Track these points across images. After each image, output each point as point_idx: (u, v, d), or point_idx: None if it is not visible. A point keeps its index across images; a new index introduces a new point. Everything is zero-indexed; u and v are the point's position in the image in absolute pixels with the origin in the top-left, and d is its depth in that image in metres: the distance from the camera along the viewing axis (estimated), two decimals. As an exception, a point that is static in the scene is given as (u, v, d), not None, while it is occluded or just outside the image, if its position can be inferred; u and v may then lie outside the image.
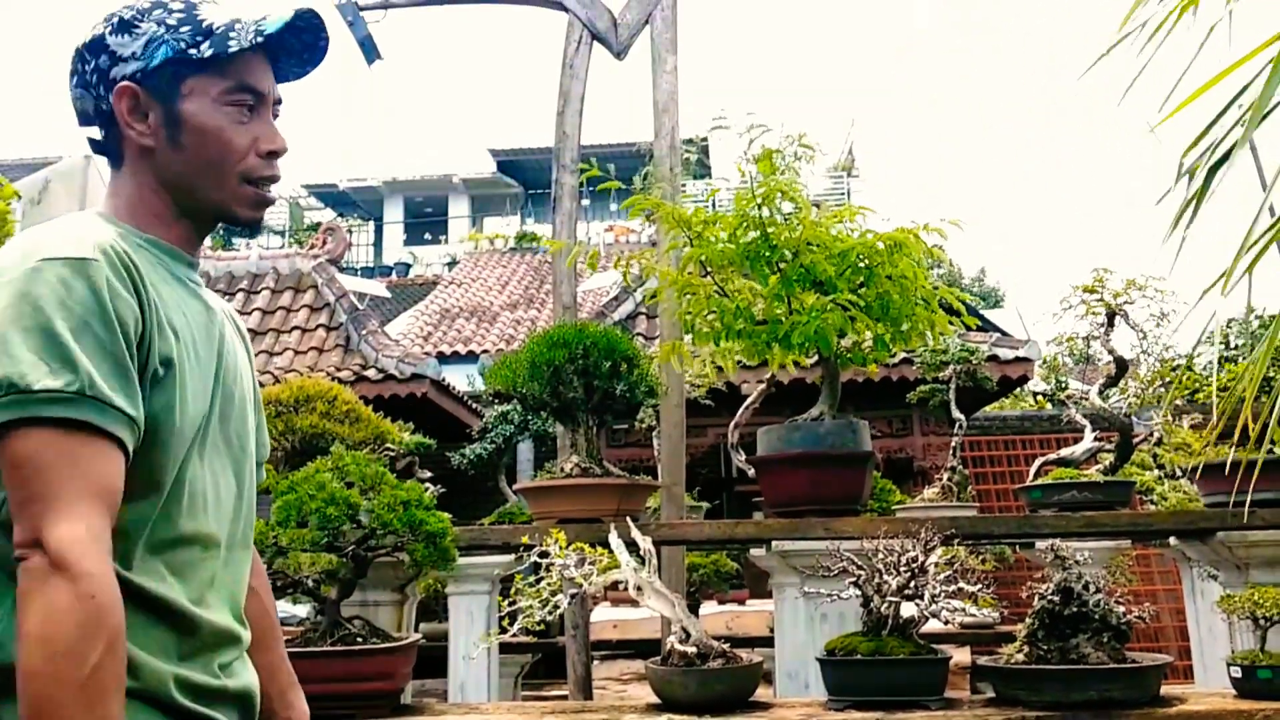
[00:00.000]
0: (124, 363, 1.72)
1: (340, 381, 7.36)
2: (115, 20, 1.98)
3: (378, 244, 43.84)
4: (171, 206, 2.01)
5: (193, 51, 1.95)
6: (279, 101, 2.09)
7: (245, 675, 2.02)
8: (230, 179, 2.00)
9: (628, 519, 4.27)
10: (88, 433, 1.66)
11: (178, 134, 1.97)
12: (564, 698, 8.75)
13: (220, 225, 2.16)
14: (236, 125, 1.99)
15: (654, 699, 3.95)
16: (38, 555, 1.60)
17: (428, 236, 43.92)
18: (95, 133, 2.02)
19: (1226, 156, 1.84)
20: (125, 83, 1.95)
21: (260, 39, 1.97)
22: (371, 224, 44.22)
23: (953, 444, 7.29)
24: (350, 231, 29.52)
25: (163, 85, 1.97)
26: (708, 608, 12.18)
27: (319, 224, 31.39)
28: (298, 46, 2.08)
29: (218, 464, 1.98)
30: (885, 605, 3.95)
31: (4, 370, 1.63)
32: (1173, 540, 5.71)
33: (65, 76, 2.02)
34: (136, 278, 1.80)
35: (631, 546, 3.90)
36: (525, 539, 4.39)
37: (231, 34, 1.96)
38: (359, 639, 4.07)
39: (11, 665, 1.61)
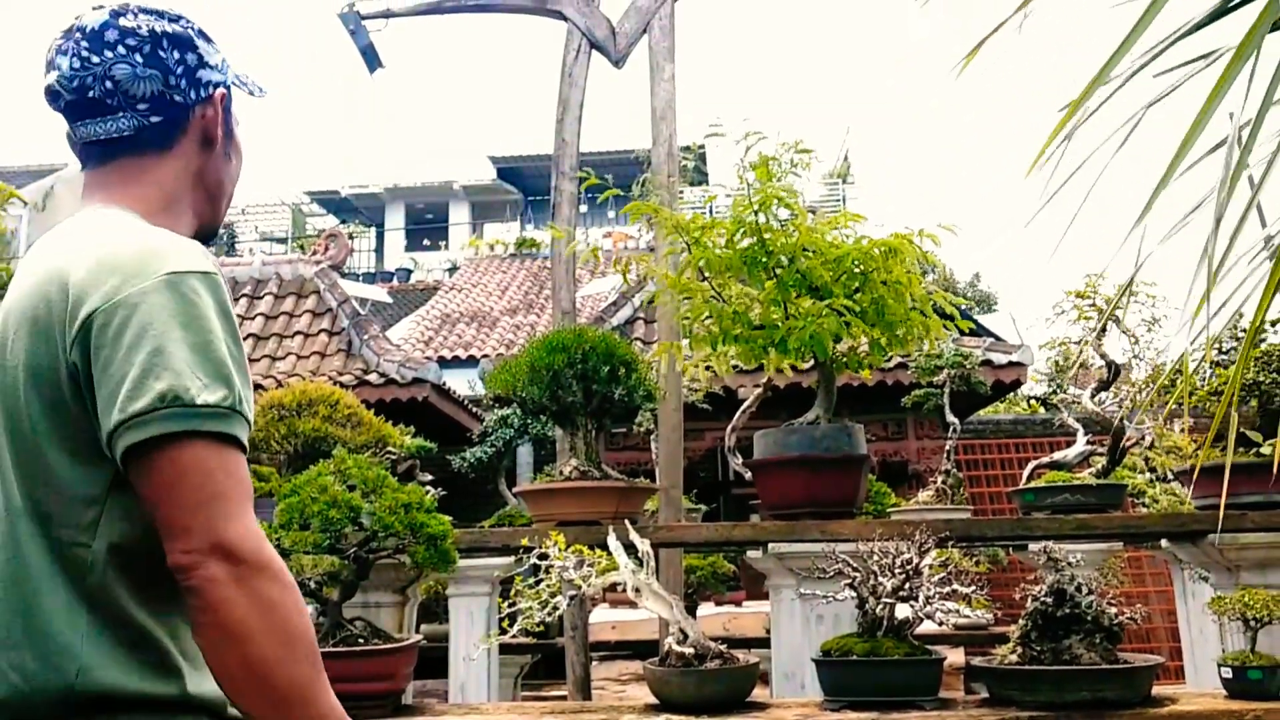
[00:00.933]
0: (249, 376, 1.77)
1: (342, 386, 7.36)
2: (194, 27, 2.04)
3: (379, 250, 43.80)
4: (192, 205, 2.05)
5: (237, 86, 2.11)
6: None
7: None
8: (224, 202, 2.14)
9: (626, 521, 4.28)
10: (235, 446, 1.68)
11: (229, 149, 2.10)
12: (563, 698, 8.75)
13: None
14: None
15: (652, 699, 3.94)
16: (217, 559, 1.59)
17: (428, 242, 43.88)
18: (123, 117, 1.96)
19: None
20: (222, 88, 2.06)
21: (260, 94, 2.15)
22: (373, 230, 44.15)
23: (947, 447, 7.29)
24: (352, 237, 29.51)
25: (228, 103, 2.09)
26: (705, 609, 12.17)
27: (321, 230, 31.39)
28: None
29: None
30: (880, 607, 3.95)
31: (168, 383, 1.63)
32: (1164, 542, 5.71)
33: (103, 46, 1.95)
34: None
35: (630, 549, 3.90)
36: (525, 541, 4.39)
37: (248, 84, 2.13)
38: (361, 640, 4.07)
39: (101, 690, 1.64)
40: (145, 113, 1.96)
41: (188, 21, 2.04)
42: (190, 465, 1.62)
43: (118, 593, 1.69)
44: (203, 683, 1.73)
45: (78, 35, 1.94)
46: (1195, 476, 5.01)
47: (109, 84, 1.93)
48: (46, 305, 1.72)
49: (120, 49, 1.93)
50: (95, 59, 1.93)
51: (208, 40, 2.05)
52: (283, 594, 1.62)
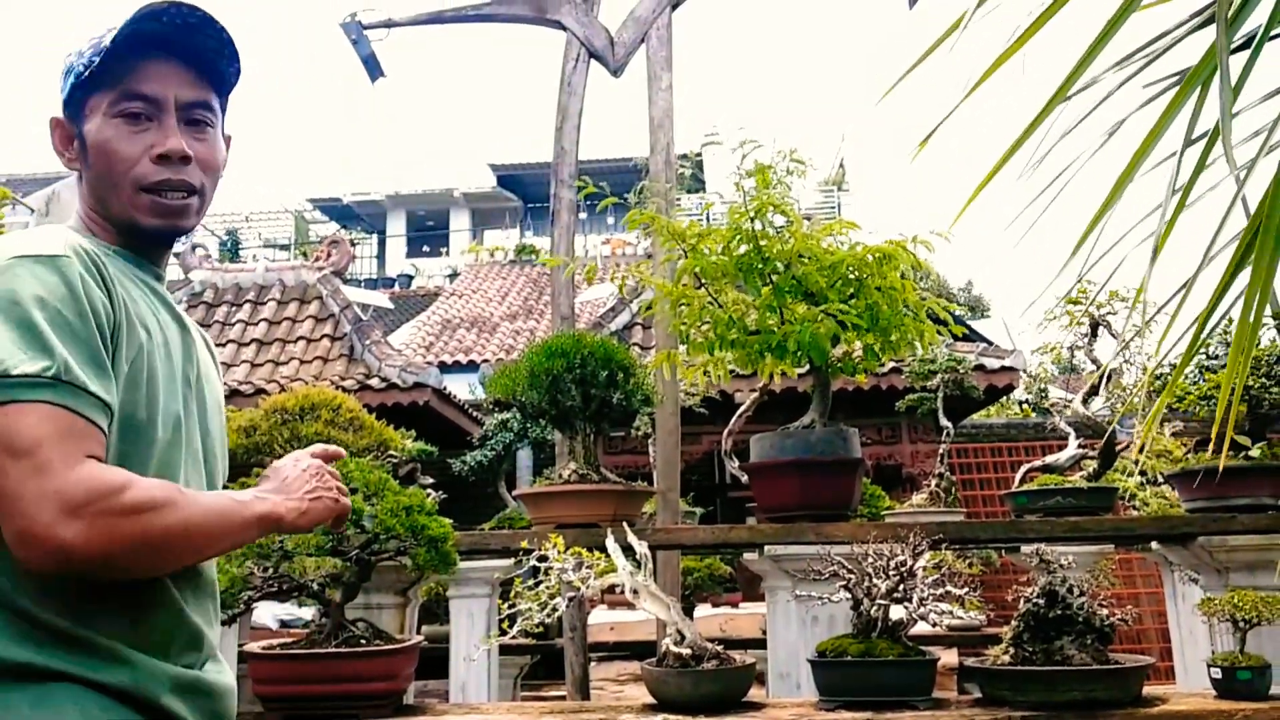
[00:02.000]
0: (98, 350, 1.73)
1: (344, 390, 7.36)
2: (83, 46, 2.01)
3: (381, 256, 43.82)
4: (107, 224, 2.02)
5: (84, 70, 1.96)
6: (197, 104, 2.04)
7: (222, 675, 2.00)
8: (124, 189, 1.98)
9: (624, 524, 4.27)
10: (68, 413, 1.65)
11: (86, 154, 2.00)
12: (562, 698, 8.74)
13: (168, 242, 2.13)
14: (128, 135, 1.98)
15: (650, 699, 3.94)
16: (59, 521, 1.60)
17: (429, 249, 43.94)
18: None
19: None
20: (53, 116, 2.04)
21: (116, 36, 1.94)
22: (375, 237, 44.19)
23: (940, 451, 7.29)
24: (354, 244, 29.47)
25: (74, 111, 2.02)
26: (702, 610, 12.17)
27: (324, 237, 31.40)
28: (213, 44, 2.04)
29: (191, 470, 1.97)
30: (874, 608, 3.95)
31: None
32: (1154, 545, 5.72)
33: None
34: (106, 275, 1.83)
35: (628, 551, 3.90)
36: (524, 543, 4.39)
37: (105, 42, 1.95)
38: (363, 641, 4.07)
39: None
40: None
41: (86, 41, 2.01)
42: (10, 434, 1.61)
43: None
44: (100, 667, 1.72)
45: None
46: (1186, 480, 5.01)
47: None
48: None
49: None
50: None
51: (79, 53, 1.99)
52: (128, 522, 1.64)
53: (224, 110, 2.13)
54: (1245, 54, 1.78)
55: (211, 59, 2.04)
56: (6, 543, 1.63)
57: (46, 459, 1.60)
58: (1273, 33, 1.71)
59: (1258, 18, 1.73)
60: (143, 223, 1.99)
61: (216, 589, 2.07)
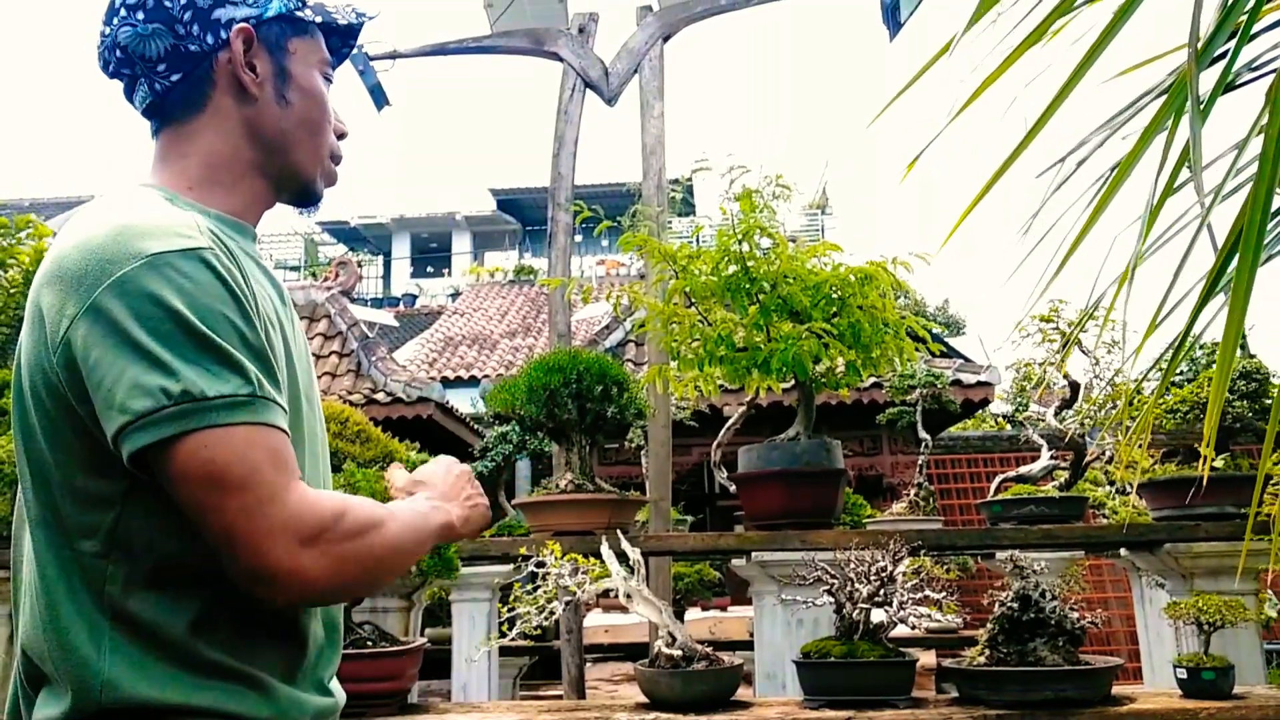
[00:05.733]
0: (266, 353, 1.48)
1: (351, 404, 7.35)
2: None
3: (386, 277, 43.82)
4: (254, 165, 1.72)
5: (302, 14, 1.74)
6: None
7: (340, 695, 1.77)
8: (323, 149, 1.78)
9: (618, 531, 4.27)
10: (270, 432, 1.42)
11: (285, 90, 1.72)
12: (559, 697, 8.72)
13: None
14: (328, 98, 1.79)
15: (643, 698, 3.93)
16: (279, 547, 1.39)
17: (432, 270, 43.95)
18: (143, 84, 1.69)
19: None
20: (244, 24, 1.68)
21: (357, 20, 1.80)
22: (381, 258, 44.20)
23: (919, 462, 7.29)
24: (361, 265, 29.49)
25: (273, 38, 1.72)
26: (692, 614, 12.18)
27: (332, 258, 31.41)
28: (346, 52, 1.87)
29: (319, 456, 1.75)
30: (856, 611, 3.94)
31: (163, 382, 1.35)
32: (1123, 551, 5.72)
33: (111, 14, 1.67)
34: (236, 258, 1.54)
35: (622, 557, 3.89)
36: (523, 550, 4.38)
37: (331, 9, 1.78)
38: (369, 643, 4.06)
39: (130, 704, 1.42)
40: (164, 74, 1.67)
41: None
42: (211, 462, 1.36)
43: (142, 603, 1.44)
44: (252, 701, 1.50)
45: (105, 11, 1.69)
46: (1154, 490, 5.02)
47: (120, 52, 1.66)
48: (37, 301, 1.48)
49: (122, 10, 1.65)
50: (106, 29, 1.67)
51: None
52: (355, 546, 1.45)
53: None
54: (1217, 71, 1.79)
55: (336, 63, 1.85)
56: (235, 580, 1.40)
57: (268, 490, 1.37)
58: (1237, 67, 1.72)
59: (1226, 45, 1.74)
60: (318, 187, 1.80)
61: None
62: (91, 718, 1.42)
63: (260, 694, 1.50)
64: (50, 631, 1.45)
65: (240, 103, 1.69)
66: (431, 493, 1.79)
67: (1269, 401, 4.90)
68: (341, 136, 1.82)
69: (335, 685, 1.73)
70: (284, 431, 1.44)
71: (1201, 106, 1.72)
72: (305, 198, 1.81)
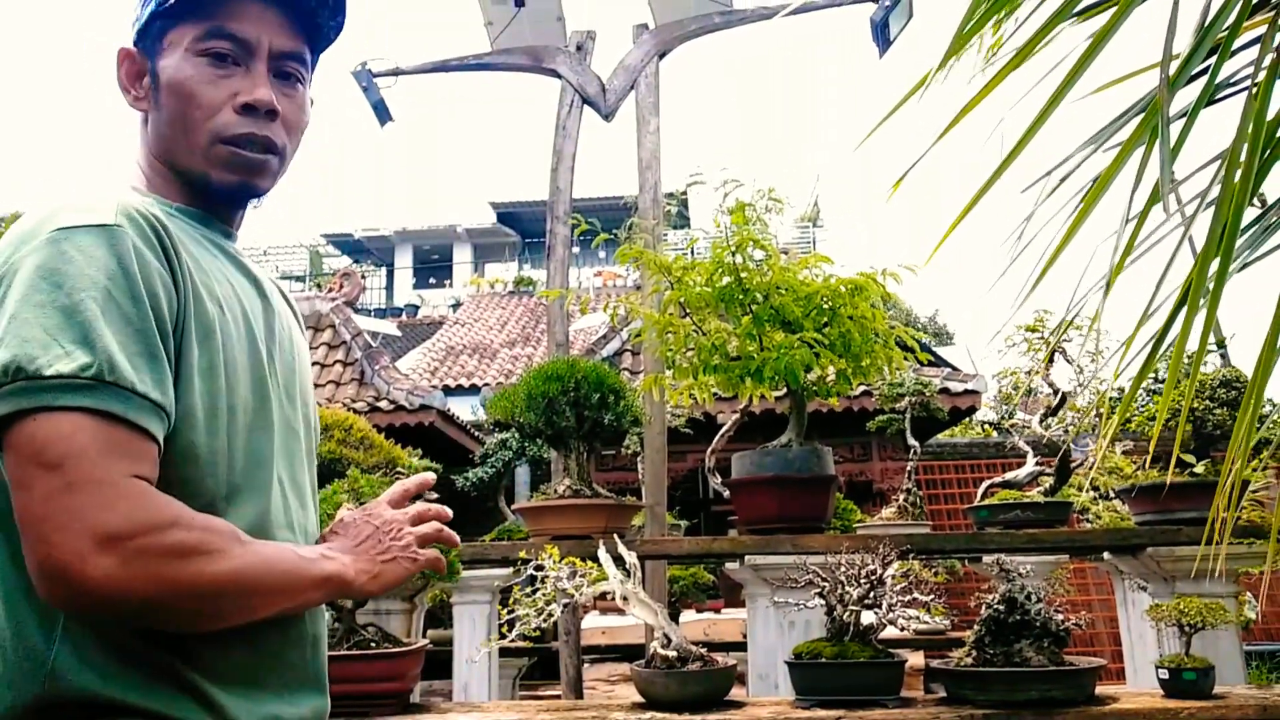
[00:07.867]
0: (153, 341, 1.37)
1: (355, 412, 7.35)
2: None
3: (389, 288, 43.81)
4: (167, 167, 1.65)
5: (168, 3, 1.61)
6: (289, 56, 1.68)
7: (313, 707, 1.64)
8: (199, 137, 1.61)
9: (615, 536, 4.27)
10: (111, 422, 1.30)
11: (158, 93, 1.63)
12: (557, 697, 8.71)
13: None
14: (212, 78, 1.61)
15: (639, 698, 3.93)
16: (92, 554, 1.26)
17: (434, 281, 43.92)
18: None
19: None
20: (122, 47, 1.66)
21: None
22: (384, 269, 44.20)
23: (908, 468, 7.28)
24: (364, 276, 29.48)
25: (149, 43, 1.64)
26: (687, 616, 12.16)
27: (336, 269, 31.40)
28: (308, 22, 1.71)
29: (280, 456, 1.63)
30: (847, 614, 3.94)
31: (11, 352, 1.28)
32: (1106, 555, 5.72)
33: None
34: (168, 242, 1.46)
35: (618, 560, 3.89)
36: (523, 554, 4.38)
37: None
38: (372, 644, 4.06)
39: (73, 697, 1.35)
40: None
41: None
42: (32, 439, 1.27)
43: None
44: (191, 709, 1.42)
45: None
46: (1136, 495, 5.02)
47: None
48: None
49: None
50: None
51: None
52: (169, 565, 1.30)
53: (314, 68, 1.77)
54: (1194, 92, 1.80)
55: (312, 8, 1.69)
56: (30, 573, 1.30)
57: (81, 477, 1.26)
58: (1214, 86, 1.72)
59: (1201, 63, 1.74)
60: (215, 178, 1.63)
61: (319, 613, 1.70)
62: (30, 707, 1.35)
63: (202, 704, 1.42)
64: (6, 620, 1.38)
65: (142, 120, 1.68)
66: (340, 541, 1.63)
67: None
68: (251, 108, 1.62)
69: (314, 694, 1.64)
70: (130, 422, 1.32)
71: (1185, 119, 1.73)
72: (209, 193, 1.67)
